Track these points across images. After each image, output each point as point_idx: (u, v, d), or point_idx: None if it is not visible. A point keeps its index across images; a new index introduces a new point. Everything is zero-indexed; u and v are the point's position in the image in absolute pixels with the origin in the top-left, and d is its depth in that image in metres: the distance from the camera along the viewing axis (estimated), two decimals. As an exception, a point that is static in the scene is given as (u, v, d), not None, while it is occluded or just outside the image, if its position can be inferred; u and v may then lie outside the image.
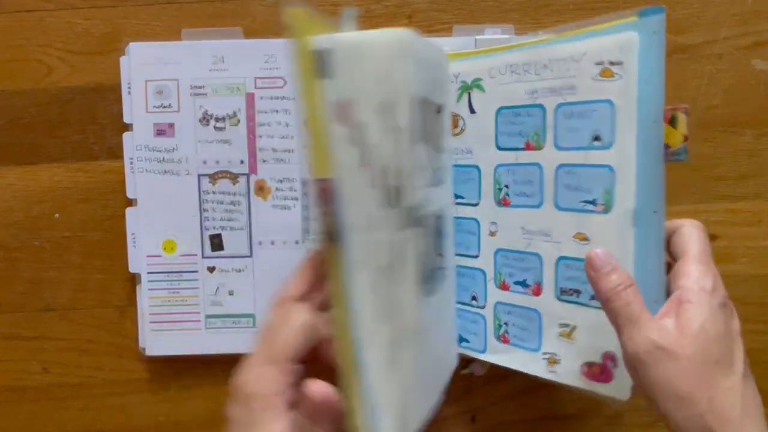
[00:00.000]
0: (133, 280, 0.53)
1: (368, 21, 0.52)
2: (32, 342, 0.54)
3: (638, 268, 0.39)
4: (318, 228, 0.36)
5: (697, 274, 0.38)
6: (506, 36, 0.51)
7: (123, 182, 0.52)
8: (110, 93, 0.52)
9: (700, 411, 0.34)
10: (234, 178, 0.51)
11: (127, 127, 0.52)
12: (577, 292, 0.42)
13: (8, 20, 0.52)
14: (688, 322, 0.36)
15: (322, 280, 0.39)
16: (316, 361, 0.38)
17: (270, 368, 0.36)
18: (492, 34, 0.51)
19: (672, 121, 0.40)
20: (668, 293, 0.38)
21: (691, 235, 0.40)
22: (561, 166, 0.42)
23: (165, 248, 0.52)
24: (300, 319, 0.37)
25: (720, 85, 0.51)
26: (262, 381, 0.36)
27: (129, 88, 0.51)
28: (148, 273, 0.52)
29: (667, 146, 0.40)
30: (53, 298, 0.54)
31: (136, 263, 0.52)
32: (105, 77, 0.52)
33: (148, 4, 0.52)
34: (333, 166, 0.35)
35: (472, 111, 0.46)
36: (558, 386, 0.43)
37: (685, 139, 0.40)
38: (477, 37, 0.51)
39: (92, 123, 0.53)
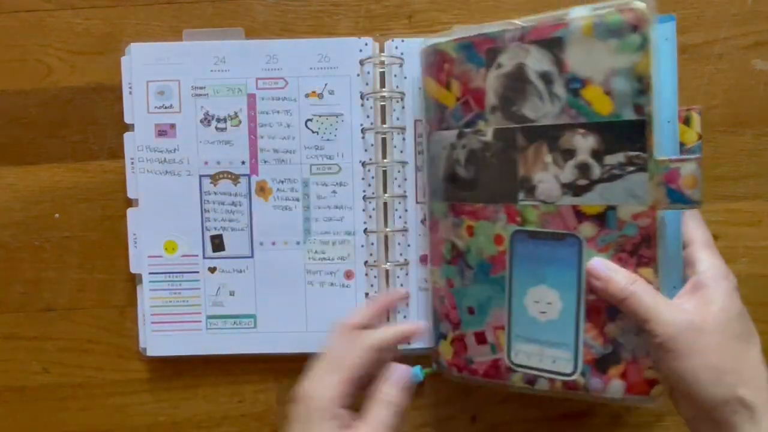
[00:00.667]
0: (133, 280, 0.53)
1: (368, 21, 0.52)
2: (32, 342, 0.54)
3: (661, 257, 0.40)
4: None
5: (710, 260, 0.40)
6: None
7: (123, 182, 0.52)
8: (110, 93, 0.52)
9: (732, 381, 0.36)
10: (235, 178, 0.51)
11: (128, 128, 0.52)
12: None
13: (8, 20, 0.52)
14: (708, 303, 0.38)
15: (386, 315, 0.50)
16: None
17: (332, 377, 0.42)
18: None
19: (686, 121, 0.45)
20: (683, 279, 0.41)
21: (695, 223, 0.42)
22: None
23: (166, 249, 0.52)
24: (369, 341, 0.44)
25: (720, 85, 0.51)
26: (323, 386, 0.42)
27: (130, 88, 0.51)
28: (150, 273, 0.52)
29: (682, 144, 0.44)
30: (53, 298, 0.54)
31: (137, 263, 0.52)
32: (105, 77, 0.52)
33: (148, 4, 0.52)
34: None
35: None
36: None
37: (699, 137, 0.45)
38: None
39: (92, 123, 0.53)
